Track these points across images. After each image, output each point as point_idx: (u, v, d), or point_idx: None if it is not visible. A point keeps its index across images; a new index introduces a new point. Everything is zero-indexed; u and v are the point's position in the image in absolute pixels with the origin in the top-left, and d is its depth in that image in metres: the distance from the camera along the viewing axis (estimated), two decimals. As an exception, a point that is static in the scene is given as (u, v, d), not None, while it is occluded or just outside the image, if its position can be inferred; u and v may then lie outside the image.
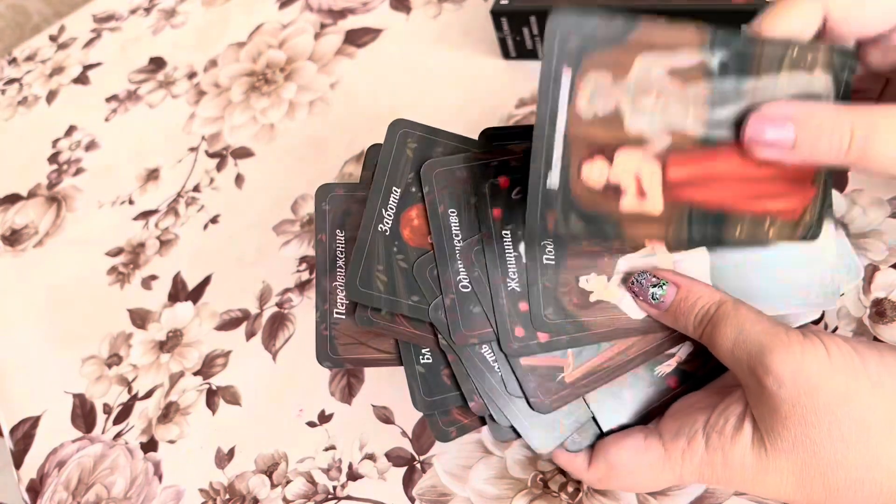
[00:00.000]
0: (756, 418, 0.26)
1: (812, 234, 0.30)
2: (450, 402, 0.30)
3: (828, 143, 0.26)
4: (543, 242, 0.29)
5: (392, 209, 0.30)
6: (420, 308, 0.29)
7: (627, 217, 0.27)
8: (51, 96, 0.67)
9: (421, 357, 0.30)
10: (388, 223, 0.30)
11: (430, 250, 0.29)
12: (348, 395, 0.41)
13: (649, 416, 0.31)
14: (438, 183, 0.29)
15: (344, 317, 0.31)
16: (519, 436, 0.30)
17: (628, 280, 0.29)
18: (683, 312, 0.28)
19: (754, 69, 0.27)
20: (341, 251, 0.32)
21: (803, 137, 0.26)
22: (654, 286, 0.29)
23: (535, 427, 0.30)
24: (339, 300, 0.32)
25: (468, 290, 0.29)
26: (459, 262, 0.29)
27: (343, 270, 0.31)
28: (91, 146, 0.62)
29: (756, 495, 0.31)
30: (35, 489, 0.44)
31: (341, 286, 0.31)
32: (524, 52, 0.51)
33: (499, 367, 0.29)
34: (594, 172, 0.26)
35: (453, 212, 0.29)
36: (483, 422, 0.31)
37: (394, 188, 0.30)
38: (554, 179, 0.26)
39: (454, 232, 0.29)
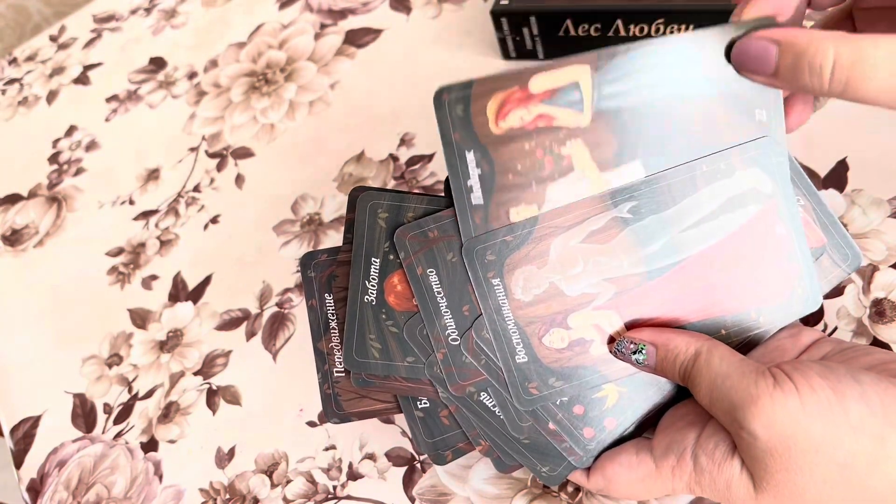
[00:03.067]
0: (743, 459, 0.26)
1: (811, 304, 0.31)
2: (450, 440, 0.32)
3: (808, 69, 0.25)
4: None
5: (374, 279, 0.31)
6: (416, 367, 0.31)
7: (602, 359, 0.30)
8: (51, 96, 0.68)
9: (419, 402, 0.32)
10: (372, 293, 0.31)
11: (417, 312, 0.31)
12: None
13: (643, 426, 0.31)
14: (413, 247, 0.30)
15: (344, 375, 0.33)
16: (522, 465, 0.32)
17: (611, 347, 0.30)
18: (668, 370, 0.28)
19: (669, 201, 0.29)
20: (332, 313, 0.33)
21: (785, 61, 0.25)
22: (635, 352, 0.29)
23: (541, 461, 0.31)
24: (336, 360, 0.33)
25: (457, 342, 0.30)
26: (448, 320, 0.30)
27: (336, 331, 0.33)
28: (91, 146, 0.62)
29: None
30: (35, 489, 0.45)
31: (337, 346, 0.33)
32: (524, 53, 0.51)
33: (499, 411, 0.31)
34: (555, 340, 0.30)
35: (432, 271, 0.30)
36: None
37: (373, 259, 0.31)
38: (521, 356, 0.30)
39: (436, 291, 0.30)
